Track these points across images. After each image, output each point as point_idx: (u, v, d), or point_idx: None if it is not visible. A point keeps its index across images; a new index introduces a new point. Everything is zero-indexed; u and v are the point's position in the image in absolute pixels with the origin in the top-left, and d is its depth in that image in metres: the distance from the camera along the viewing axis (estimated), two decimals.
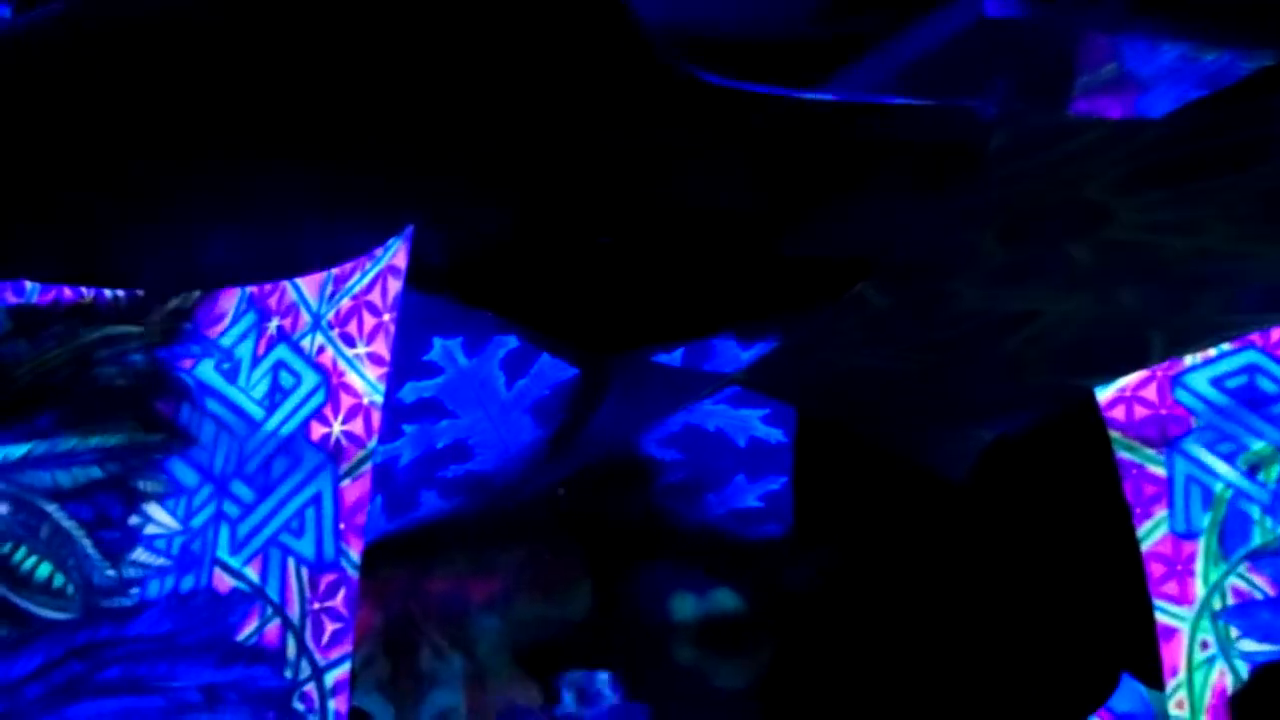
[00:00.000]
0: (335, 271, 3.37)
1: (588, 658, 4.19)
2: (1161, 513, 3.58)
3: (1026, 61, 3.17)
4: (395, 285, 3.35)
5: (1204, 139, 3.10)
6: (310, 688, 3.24)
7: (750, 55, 3.25)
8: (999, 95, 3.20)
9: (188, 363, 3.34)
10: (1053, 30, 3.05)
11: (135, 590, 3.23)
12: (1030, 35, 3.05)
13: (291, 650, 3.25)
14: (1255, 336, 3.57)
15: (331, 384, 3.34)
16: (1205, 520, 3.56)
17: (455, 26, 3.04)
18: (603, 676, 4.11)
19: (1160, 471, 3.59)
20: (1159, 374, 3.60)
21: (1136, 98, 3.16)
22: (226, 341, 3.36)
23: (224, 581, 3.27)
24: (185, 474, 3.30)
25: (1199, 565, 3.55)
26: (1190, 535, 3.56)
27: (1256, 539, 3.55)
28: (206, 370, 3.35)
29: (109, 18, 2.99)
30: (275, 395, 3.34)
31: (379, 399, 3.32)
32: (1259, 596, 3.53)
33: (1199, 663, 3.51)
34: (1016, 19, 3.01)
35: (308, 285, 3.38)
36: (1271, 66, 3.05)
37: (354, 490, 3.31)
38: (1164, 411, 3.60)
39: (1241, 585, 3.54)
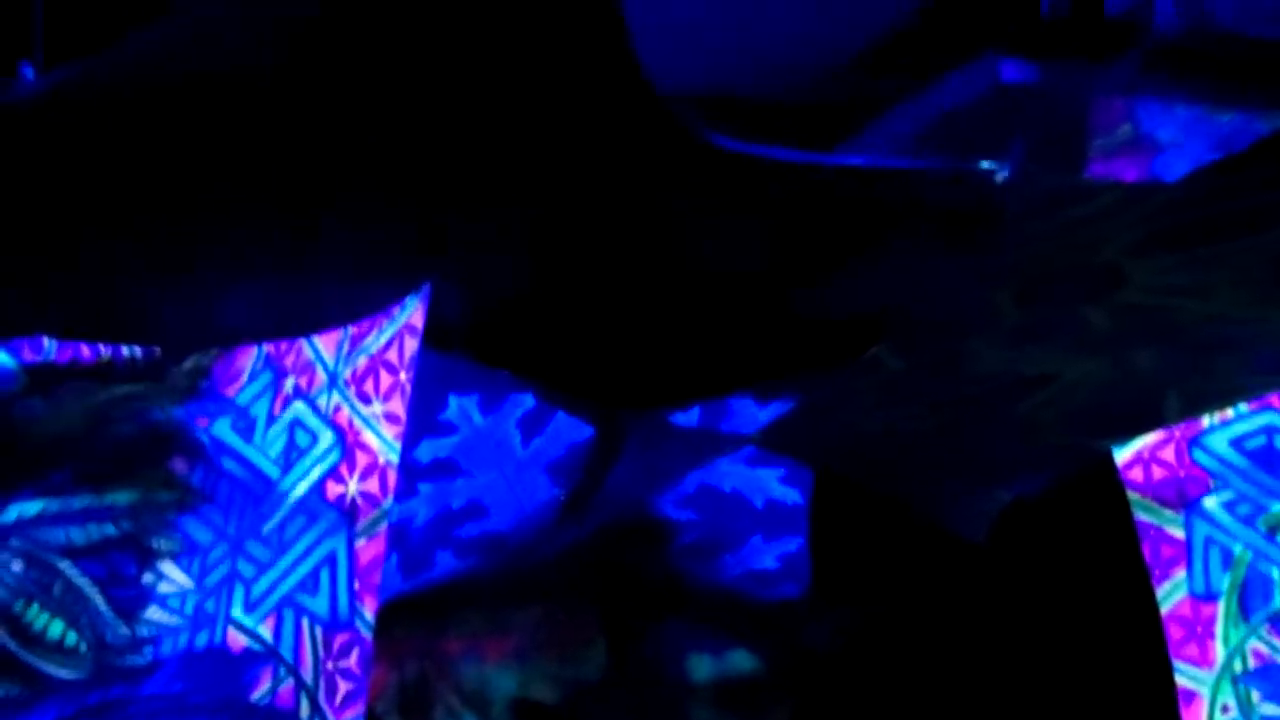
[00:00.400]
0: (352, 330, 3.38)
1: (603, 719, 4.17)
2: (1180, 574, 3.56)
3: (1042, 124, 3.17)
4: (412, 344, 3.36)
5: (1218, 202, 3.10)
6: None
7: (769, 117, 3.26)
8: (1015, 157, 3.21)
9: (204, 421, 3.35)
10: (1067, 94, 3.06)
11: (148, 649, 3.23)
12: (1045, 99, 3.05)
13: (305, 710, 3.24)
14: (1273, 398, 3.56)
15: (347, 443, 3.34)
16: (1225, 582, 3.54)
17: (474, 89, 3.05)
18: None
19: (1179, 533, 3.57)
20: (1177, 435, 3.59)
21: (1151, 160, 3.17)
22: (243, 400, 3.36)
23: (237, 641, 3.26)
24: (199, 532, 3.30)
25: (1219, 628, 3.53)
26: (1210, 597, 3.54)
27: (1277, 601, 3.53)
28: (223, 429, 3.35)
29: (127, 82, 3.01)
30: (291, 454, 3.34)
31: (395, 458, 3.33)
32: None
33: None
34: (1031, 84, 3.01)
35: (325, 343, 3.38)
36: None
37: (369, 550, 3.31)
38: (1182, 473, 3.59)
39: (1262, 648, 3.52)
